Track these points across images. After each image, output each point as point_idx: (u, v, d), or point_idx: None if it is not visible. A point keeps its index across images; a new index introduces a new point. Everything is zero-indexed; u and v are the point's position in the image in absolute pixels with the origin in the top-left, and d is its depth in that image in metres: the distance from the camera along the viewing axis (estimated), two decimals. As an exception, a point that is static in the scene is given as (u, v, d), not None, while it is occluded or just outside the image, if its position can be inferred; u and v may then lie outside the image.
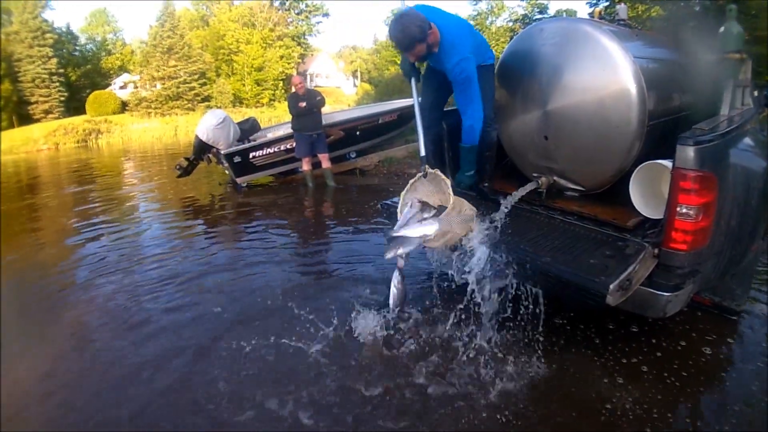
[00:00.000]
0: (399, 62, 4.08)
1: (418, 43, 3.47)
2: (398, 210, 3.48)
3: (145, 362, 3.54)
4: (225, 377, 3.27)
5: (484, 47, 3.92)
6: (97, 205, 9.39)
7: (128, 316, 4.31)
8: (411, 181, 3.57)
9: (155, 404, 3.09)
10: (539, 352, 3.31)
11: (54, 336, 4.12)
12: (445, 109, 4.26)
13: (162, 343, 3.81)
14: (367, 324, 3.69)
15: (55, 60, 35.81)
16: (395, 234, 3.26)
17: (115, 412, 3.04)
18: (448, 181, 3.33)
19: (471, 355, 3.30)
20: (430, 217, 3.26)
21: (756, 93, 4.35)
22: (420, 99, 3.92)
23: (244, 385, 3.18)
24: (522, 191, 3.84)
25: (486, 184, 4.16)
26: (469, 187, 3.78)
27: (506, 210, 3.64)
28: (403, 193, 3.55)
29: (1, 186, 12.79)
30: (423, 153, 3.60)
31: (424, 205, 3.41)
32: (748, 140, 3.38)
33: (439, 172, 3.44)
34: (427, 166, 3.48)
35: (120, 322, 4.20)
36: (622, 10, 4.40)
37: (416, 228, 3.20)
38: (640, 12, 13.65)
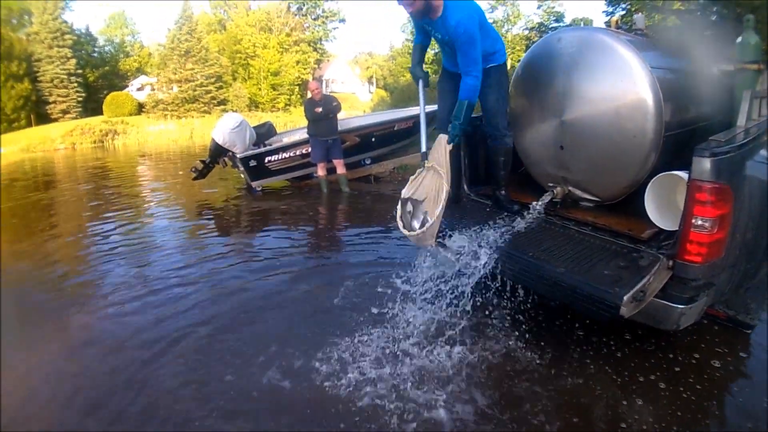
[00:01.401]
0: (410, 68, 4.10)
1: None
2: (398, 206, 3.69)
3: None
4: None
5: (492, 35, 3.96)
6: (111, 209, 9.42)
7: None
8: (412, 178, 3.73)
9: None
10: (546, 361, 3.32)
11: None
12: None
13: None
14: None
15: (73, 61, 36.11)
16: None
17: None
18: (442, 171, 3.52)
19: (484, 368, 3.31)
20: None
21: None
22: (438, 108, 3.95)
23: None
24: (541, 203, 3.85)
25: (503, 192, 4.16)
26: (453, 137, 3.70)
27: (531, 222, 3.68)
28: (404, 190, 3.74)
29: (1, 186, 12.88)
30: (423, 149, 3.77)
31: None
32: (764, 152, 3.36)
33: (435, 165, 3.59)
34: (426, 161, 3.67)
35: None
36: (639, 19, 4.39)
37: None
38: (657, 21, 13.61)
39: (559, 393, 3.10)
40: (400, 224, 3.62)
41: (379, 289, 4.48)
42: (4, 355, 3.65)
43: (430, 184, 3.64)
